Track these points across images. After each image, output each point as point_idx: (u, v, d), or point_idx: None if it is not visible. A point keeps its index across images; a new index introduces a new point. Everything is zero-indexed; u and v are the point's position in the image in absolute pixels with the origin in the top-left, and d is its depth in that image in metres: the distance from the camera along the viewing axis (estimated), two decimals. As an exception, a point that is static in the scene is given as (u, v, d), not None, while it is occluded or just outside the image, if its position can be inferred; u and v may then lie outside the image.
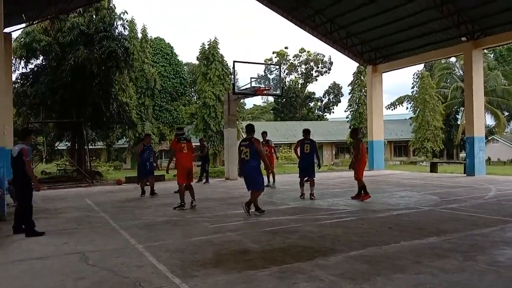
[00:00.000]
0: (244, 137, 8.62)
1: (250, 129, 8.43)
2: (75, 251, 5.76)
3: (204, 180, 16.78)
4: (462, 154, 39.31)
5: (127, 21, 21.80)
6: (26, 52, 18.97)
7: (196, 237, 6.38)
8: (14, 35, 18.46)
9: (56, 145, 26.67)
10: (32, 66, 20.25)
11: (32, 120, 20.91)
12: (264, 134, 14.42)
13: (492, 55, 40.72)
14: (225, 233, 6.62)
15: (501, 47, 36.33)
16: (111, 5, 20.61)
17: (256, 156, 8.19)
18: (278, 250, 5.47)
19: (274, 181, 13.91)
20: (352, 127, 42.91)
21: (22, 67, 20.01)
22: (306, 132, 11.00)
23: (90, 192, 14.39)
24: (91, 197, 12.58)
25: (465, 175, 17.38)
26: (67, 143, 25.06)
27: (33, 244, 6.27)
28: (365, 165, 10.92)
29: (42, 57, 20.03)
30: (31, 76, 20.07)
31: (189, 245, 5.88)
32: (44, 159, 29.50)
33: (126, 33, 22.92)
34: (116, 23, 20.65)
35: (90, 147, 25.15)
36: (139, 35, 37.67)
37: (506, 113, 38.77)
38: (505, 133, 44.42)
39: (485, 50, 24.91)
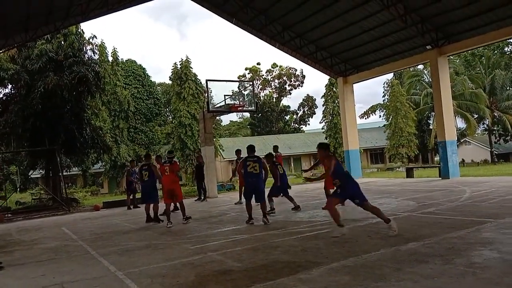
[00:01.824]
0: (249, 155, 9.52)
1: (252, 148, 9.61)
2: (53, 282, 5.60)
3: (202, 198, 16.76)
4: (437, 158, 40.23)
5: (96, 45, 21.65)
6: (-7, 81, 18.63)
7: (177, 259, 6.30)
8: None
9: (29, 174, 26.06)
10: (1, 96, 19.90)
11: (3, 149, 20.42)
12: (238, 152, 14.04)
13: (457, 60, 41.99)
14: (207, 253, 6.56)
15: (465, 52, 37.54)
16: (79, 30, 20.49)
17: (262, 171, 9.27)
18: (260, 267, 5.45)
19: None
20: (327, 138, 43.48)
21: (-10, 97, 19.66)
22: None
23: (67, 220, 14.06)
24: (68, 225, 12.29)
25: (440, 178, 17.76)
26: (41, 171, 24.53)
27: (8, 279, 6.07)
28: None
29: (10, 85, 19.69)
30: (0, 106, 19.66)
31: (171, 268, 5.80)
32: (18, 189, 28.76)
33: (96, 57, 22.78)
34: (86, 48, 20.52)
35: (65, 173, 24.63)
36: (110, 58, 37.45)
37: (476, 116, 39.90)
38: (476, 135, 45.72)
39: (451, 57, 25.74)
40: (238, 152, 14.22)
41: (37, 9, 15.40)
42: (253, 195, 9.28)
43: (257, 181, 9.23)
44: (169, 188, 10.25)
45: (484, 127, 43.86)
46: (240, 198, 13.27)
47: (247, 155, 9.57)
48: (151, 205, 11.10)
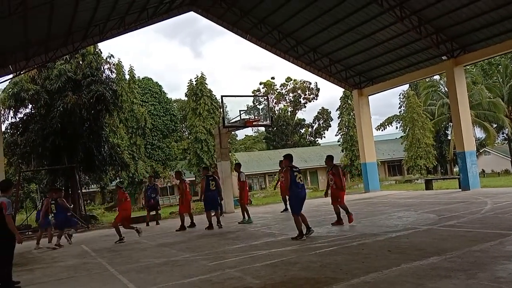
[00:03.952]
0: (292, 164, 9.19)
1: (292, 158, 9.30)
2: (73, 301, 5.65)
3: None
4: (456, 169, 39.53)
5: (113, 64, 22.12)
6: (14, 102, 19.06)
7: (196, 276, 6.29)
8: (2, 86, 18.66)
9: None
10: (22, 115, 20.37)
11: (24, 168, 20.80)
12: (238, 166, 13.68)
13: (474, 70, 41.50)
14: (225, 270, 6.54)
15: (482, 62, 37.10)
16: (97, 50, 20.95)
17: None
18: (279, 284, 5.40)
19: (248, 216, 13.00)
20: (343, 150, 43.17)
21: (11, 117, 20.11)
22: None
23: (86, 238, 14.18)
24: (87, 243, 12.39)
25: (460, 190, 17.42)
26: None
27: (30, 298, 6.13)
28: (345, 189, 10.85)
29: (31, 105, 20.13)
30: (20, 125, 20.14)
31: (189, 286, 5.79)
32: (38, 207, 29.13)
33: (114, 76, 23.24)
34: (103, 67, 20.97)
35: (84, 191, 24.94)
36: (127, 77, 38.09)
37: (495, 125, 39.22)
38: (496, 145, 44.85)
39: (467, 66, 25.48)
40: (238, 166, 13.84)
41: (57, 31, 15.83)
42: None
43: (305, 192, 9.22)
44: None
45: (503, 136, 43.05)
46: (248, 217, 12.92)
47: (289, 164, 9.12)
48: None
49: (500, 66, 41.32)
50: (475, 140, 32.31)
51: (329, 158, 10.79)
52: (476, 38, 16.60)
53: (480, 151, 43.72)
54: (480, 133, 39.85)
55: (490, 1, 14.60)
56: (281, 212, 14.93)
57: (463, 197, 14.32)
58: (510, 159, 41.64)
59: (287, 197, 11.27)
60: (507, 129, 38.60)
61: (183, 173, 15.23)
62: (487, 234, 7.28)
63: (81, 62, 20.42)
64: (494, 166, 43.15)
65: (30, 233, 17.44)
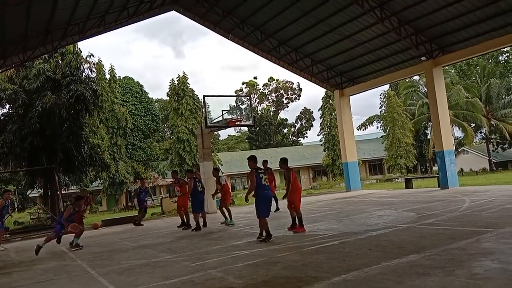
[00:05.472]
0: (257, 166, 9.03)
1: (256, 159, 9.10)
2: (52, 304, 5.55)
3: None
4: (436, 168, 40.24)
5: (94, 63, 21.81)
6: (-9, 102, 18.67)
7: (177, 277, 6.25)
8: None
9: (28, 193, 25.94)
10: (-1, 115, 19.94)
11: (1, 169, 20.37)
12: (215, 171, 13.55)
13: (452, 71, 42.29)
14: (207, 270, 6.52)
15: (460, 62, 37.82)
16: (76, 49, 20.63)
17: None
18: (261, 284, 5.41)
19: (231, 218, 12.61)
20: (325, 150, 43.53)
21: (-12, 117, 19.68)
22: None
23: (65, 239, 13.91)
24: (67, 245, 12.18)
25: (439, 188, 17.73)
26: (39, 190, 24.48)
27: (7, 302, 6.01)
28: (300, 192, 10.12)
29: (8, 105, 19.73)
30: (-3, 126, 19.70)
31: (170, 287, 5.76)
32: (16, 209, 28.61)
33: (94, 75, 22.90)
34: (83, 67, 20.65)
35: (64, 192, 24.53)
36: (107, 76, 37.62)
37: (473, 124, 40.03)
38: (474, 144, 45.78)
39: (446, 67, 25.94)
40: (216, 170, 13.81)
41: (35, 29, 15.53)
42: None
43: (270, 194, 9.04)
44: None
45: (481, 135, 43.98)
46: (230, 218, 12.69)
47: (254, 166, 8.86)
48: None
49: (478, 67, 42.22)
50: (454, 139, 32.95)
51: (282, 161, 9.98)
52: (455, 40, 16.92)
53: (459, 150, 44.60)
54: (458, 133, 40.68)
55: (468, 3, 14.89)
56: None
57: (442, 196, 14.57)
58: (488, 158, 42.57)
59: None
60: (484, 129, 39.46)
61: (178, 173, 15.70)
62: (464, 232, 7.42)
63: (60, 62, 20.08)
64: (473, 164, 44.05)
65: (7, 235, 17.08)
